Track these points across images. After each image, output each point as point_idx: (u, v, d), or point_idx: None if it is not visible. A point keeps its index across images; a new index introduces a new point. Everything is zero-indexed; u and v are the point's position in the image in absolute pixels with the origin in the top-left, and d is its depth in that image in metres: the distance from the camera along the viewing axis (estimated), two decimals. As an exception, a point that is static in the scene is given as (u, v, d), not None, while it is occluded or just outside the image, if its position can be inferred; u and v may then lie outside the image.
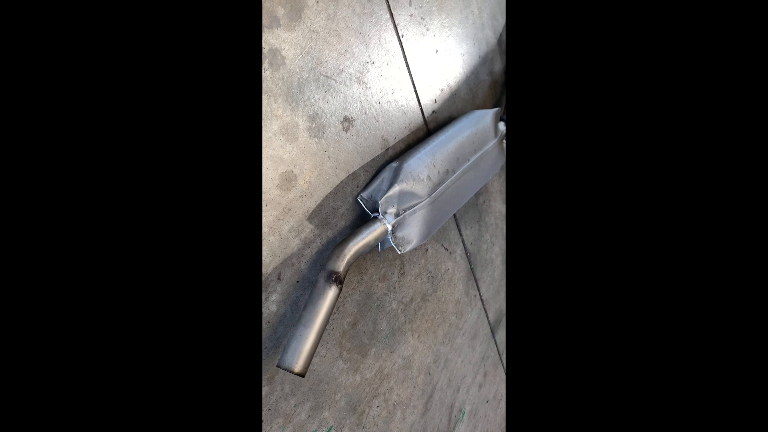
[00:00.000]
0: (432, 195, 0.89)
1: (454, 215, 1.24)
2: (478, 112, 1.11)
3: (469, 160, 1.02)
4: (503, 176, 1.50)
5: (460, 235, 1.28)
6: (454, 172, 0.97)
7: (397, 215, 0.83)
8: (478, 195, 1.35)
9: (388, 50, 0.89)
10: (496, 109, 1.16)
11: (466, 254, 1.33)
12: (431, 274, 1.16)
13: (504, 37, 1.36)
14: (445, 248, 1.21)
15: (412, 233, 0.87)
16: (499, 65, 1.36)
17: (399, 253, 0.85)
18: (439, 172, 0.92)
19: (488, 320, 1.55)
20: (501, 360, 1.72)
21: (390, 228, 0.82)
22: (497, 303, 1.60)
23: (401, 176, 0.84)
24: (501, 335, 1.68)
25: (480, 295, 1.46)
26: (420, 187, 0.87)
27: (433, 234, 0.96)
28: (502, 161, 1.18)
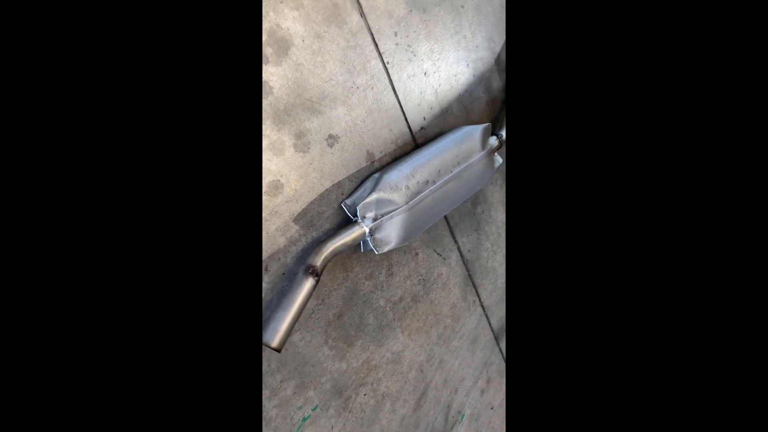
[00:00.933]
0: (409, 203, 1.00)
1: (448, 223, 1.32)
2: (467, 128, 1.20)
3: (451, 171, 1.11)
4: (505, 188, 1.56)
5: (455, 242, 1.36)
6: (434, 182, 1.07)
7: (374, 219, 0.95)
8: (475, 204, 1.42)
9: (372, 76, 1.02)
10: (486, 124, 1.24)
11: (463, 261, 1.41)
12: (422, 277, 1.25)
13: (503, 56, 1.45)
14: (438, 254, 1.30)
15: (390, 236, 0.98)
16: (497, 83, 1.44)
17: (376, 253, 0.96)
18: (418, 182, 1.03)
19: (491, 327, 1.59)
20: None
21: (367, 231, 0.94)
22: (502, 311, 1.64)
23: (380, 185, 0.96)
24: (505, 344, 1.71)
25: (480, 301, 1.52)
26: (398, 196, 0.98)
27: (414, 238, 1.06)
28: (490, 174, 1.26)
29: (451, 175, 1.11)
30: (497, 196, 1.53)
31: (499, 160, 1.31)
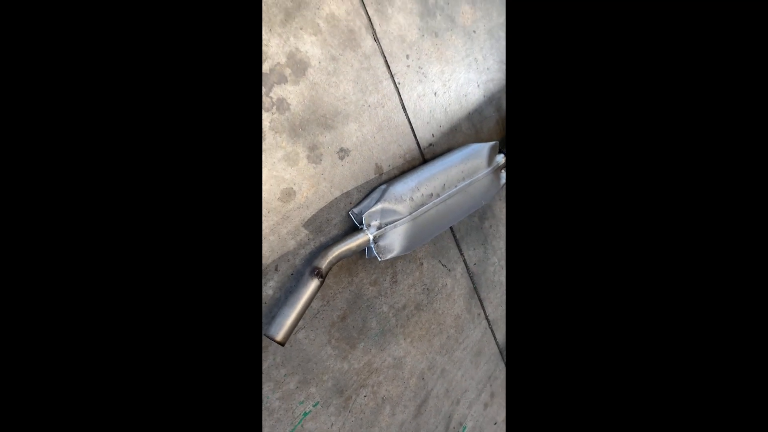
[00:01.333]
0: (413, 214, 1.06)
1: (454, 236, 1.37)
2: (474, 145, 1.26)
3: (455, 186, 1.17)
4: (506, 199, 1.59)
5: (462, 255, 1.41)
6: (438, 195, 1.13)
7: (379, 228, 1.01)
8: (482, 219, 1.47)
9: (384, 95, 1.10)
10: (494, 142, 1.30)
11: (469, 274, 1.45)
12: (426, 287, 1.30)
13: (514, 78, 1.50)
14: (443, 265, 1.35)
15: (393, 244, 1.04)
16: (508, 103, 1.49)
17: (379, 259, 1.02)
18: (422, 195, 1.09)
19: (496, 341, 1.61)
20: (513, 385, 1.74)
21: (371, 238, 1.00)
22: (508, 326, 1.66)
23: (386, 196, 1.03)
24: (513, 359, 1.72)
25: (486, 315, 1.55)
26: (402, 207, 1.04)
27: (416, 247, 1.11)
28: (495, 190, 1.31)
29: (455, 189, 1.16)
30: (505, 212, 1.56)
31: (504, 177, 1.35)
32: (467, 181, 1.20)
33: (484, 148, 1.26)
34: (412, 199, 1.06)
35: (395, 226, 1.03)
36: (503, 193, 1.54)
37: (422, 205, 1.08)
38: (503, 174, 1.35)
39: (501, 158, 1.32)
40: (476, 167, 1.23)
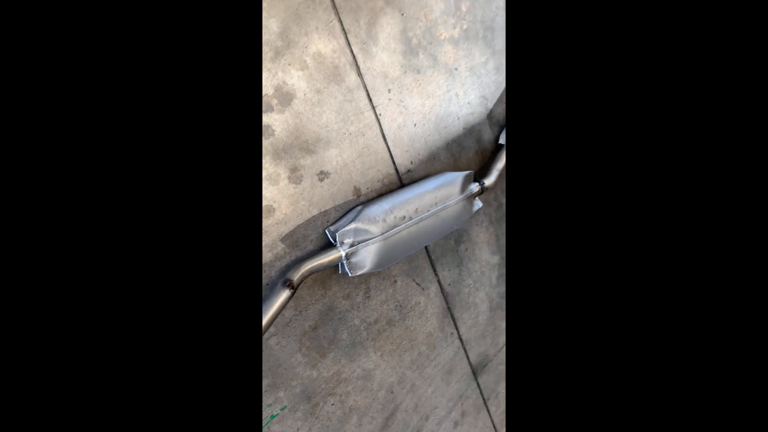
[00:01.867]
0: (385, 234, 1.15)
1: (429, 256, 1.45)
2: (450, 174, 1.36)
3: (428, 210, 1.26)
4: (491, 229, 1.68)
5: (436, 274, 1.49)
6: (411, 218, 1.22)
7: (351, 245, 1.10)
8: (458, 242, 1.55)
9: (365, 125, 1.21)
10: (468, 172, 1.39)
11: (443, 293, 1.52)
12: (399, 304, 1.38)
13: (496, 111, 1.61)
14: (417, 284, 1.43)
15: (365, 261, 1.13)
16: (488, 135, 1.60)
17: (350, 275, 1.11)
18: (395, 217, 1.18)
19: (468, 360, 1.67)
20: (486, 405, 1.79)
21: (344, 255, 1.09)
22: (481, 347, 1.72)
23: (360, 217, 1.12)
24: (486, 380, 1.77)
25: (459, 334, 1.61)
26: (375, 227, 1.14)
27: (388, 266, 1.20)
28: (467, 216, 1.40)
29: (427, 213, 1.25)
30: (483, 237, 1.65)
31: (478, 204, 1.44)
32: (439, 207, 1.29)
33: (459, 176, 1.35)
34: (385, 220, 1.15)
35: (367, 245, 1.12)
36: (480, 218, 1.62)
37: (395, 226, 1.17)
38: (477, 201, 1.44)
39: (475, 187, 1.41)
40: (449, 194, 1.32)
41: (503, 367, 1.86)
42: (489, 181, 1.47)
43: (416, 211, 1.23)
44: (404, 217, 1.20)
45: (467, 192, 1.38)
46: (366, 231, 1.12)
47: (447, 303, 1.54)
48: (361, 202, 1.22)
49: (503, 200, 1.70)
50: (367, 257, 1.12)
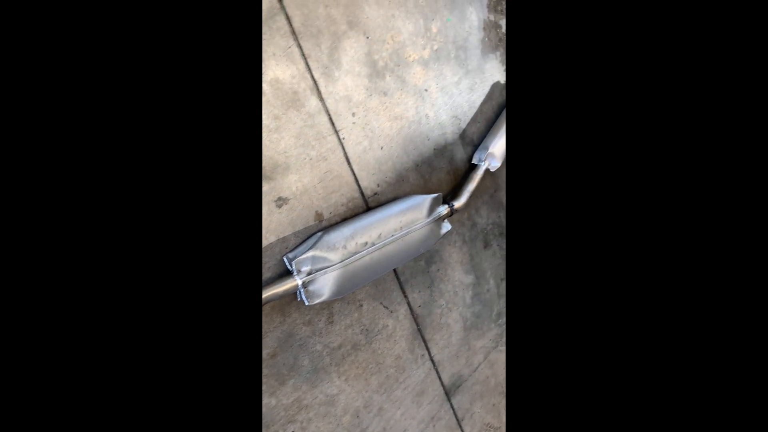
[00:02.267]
0: (344, 261, 1.14)
1: (398, 279, 1.44)
2: (417, 197, 1.35)
3: (392, 235, 1.25)
4: (465, 249, 1.67)
5: (405, 297, 1.47)
6: (373, 244, 1.20)
7: (309, 274, 1.09)
8: (429, 263, 1.54)
9: (328, 149, 1.20)
10: (436, 195, 1.38)
11: (412, 315, 1.51)
12: (365, 327, 1.37)
13: (469, 131, 1.60)
14: (385, 306, 1.41)
15: (323, 289, 1.11)
16: (460, 155, 1.58)
17: (306, 304, 1.10)
18: (356, 243, 1.17)
19: (441, 382, 1.66)
20: (460, 426, 1.78)
21: (300, 283, 1.08)
22: (455, 367, 1.71)
23: (319, 244, 1.11)
24: (460, 400, 1.76)
25: (430, 356, 1.60)
26: (333, 254, 1.12)
27: (348, 293, 1.19)
28: (434, 240, 1.38)
29: (391, 238, 1.24)
30: (456, 257, 1.63)
31: (447, 227, 1.43)
32: (404, 231, 1.27)
33: (426, 199, 1.34)
34: (345, 247, 1.14)
35: (325, 272, 1.11)
36: (453, 237, 1.61)
37: (355, 253, 1.16)
38: (445, 224, 1.42)
39: (443, 209, 1.40)
40: (415, 218, 1.30)
41: (479, 387, 1.84)
42: (459, 202, 1.46)
43: (379, 236, 1.22)
44: (366, 243, 1.19)
45: (435, 215, 1.37)
46: (324, 258, 1.11)
47: (417, 325, 1.53)
48: (323, 227, 1.21)
49: (477, 220, 1.69)
50: (325, 285, 1.11)
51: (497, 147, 1.55)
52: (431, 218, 1.35)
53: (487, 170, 1.56)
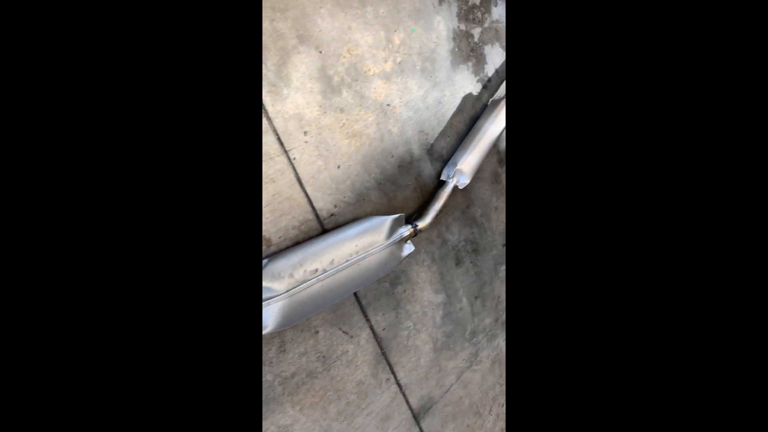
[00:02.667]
0: (290, 291, 1.08)
1: (359, 302, 1.38)
2: (375, 218, 1.28)
3: (346, 261, 1.18)
4: (434, 267, 1.60)
5: (367, 320, 1.41)
6: (324, 271, 1.14)
7: (251, 305, 1.03)
8: (394, 284, 1.48)
9: (276, 170, 1.14)
10: (398, 215, 1.32)
11: (376, 339, 1.45)
12: (322, 354, 1.31)
13: (438, 146, 1.53)
14: (344, 332, 1.35)
15: (267, 321, 1.05)
16: (428, 171, 1.52)
17: (248, 336, 1.04)
18: (305, 271, 1.11)
19: (409, 405, 1.60)
20: (431, 449, 1.72)
21: (242, 315, 1.02)
22: (424, 390, 1.65)
23: (263, 273, 1.05)
24: (430, 422, 1.70)
25: (396, 379, 1.54)
26: (279, 284, 1.06)
27: (296, 323, 1.13)
28: (395, 263, 1.32)
29: (345, 264, 1.18)
30: (424, 276, 1.57)
31: (409, 249, 1.36)
32: (361, 255, 1.21)
33: (386, 221, 1.28)
34: (292, 275, 1.08)
35: (269, 304, 1.05)
36: (421, 257, 1.55)
37: (304, 281, 1.10)
38: (407, 246, 1.36)
39: (405, 230, 1.34)
40: (373, 241, 1.24)
41: (451, 408, 1.79)
42: (423, 222, 1.39)
43: (332, 262, 1.15)
44: (316, 270, 1.13)
45: (395, 236, 1.30)
46: (268, 289, 1.05)
47: (381, 348, 1.47)
48: (270, 253, 1.15)
49: (448, 237, 1.63)
50: (268, 317, 1.05)
51: (466, 163, 1.49)
52: (391, 240, 1.28)
53: (456, 187, 1.50)
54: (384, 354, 1.47)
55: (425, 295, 1.59)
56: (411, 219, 1.41)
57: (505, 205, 1.82)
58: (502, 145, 1.77)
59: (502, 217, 1.82)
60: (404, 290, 1.51)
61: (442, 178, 1.52)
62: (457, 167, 1.48)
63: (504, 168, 1.79)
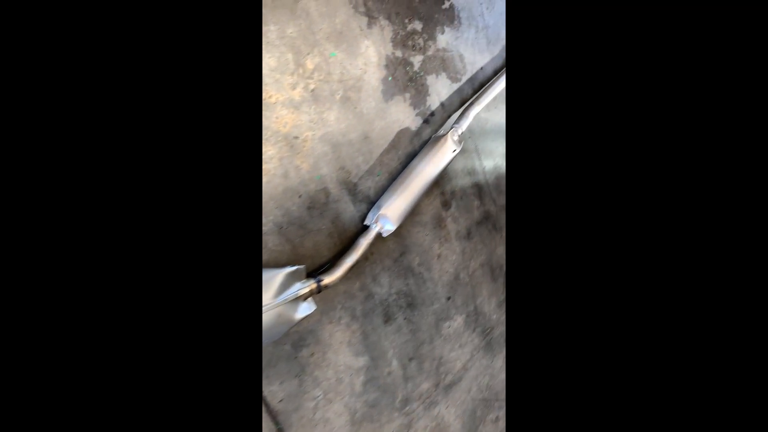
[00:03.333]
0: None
1: (247, 369, 1.15)
2: (266, 271, 1.07)
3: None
4: (355, 326, 1.38)
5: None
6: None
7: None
8: (298, 347, 1.25)
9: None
10: (296, 267, 1.10)
11: (269, 412, 1.21)
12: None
13: (363, 186, 1.33)
14: (224, 405, 1.12)
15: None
16: (350, 214, 1.31)
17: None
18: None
19: (314, 491, 1.34)
20: None
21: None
22: (336, 469, 1.39)
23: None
24: None
25: (298, 459, 1.29)
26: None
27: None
28: (284, 327, 1.09)
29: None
30: (340, 336, 1.34)
31: (307, 309, 1.14)
32: (234, 319, 0.99)
33: (278, 274, 1.06)
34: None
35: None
36: (336, 314, 1.32)
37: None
38: (304, 306, 1.14)
39: (303, 286, 1.12)
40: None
41: (374, 491, 1.52)
42: (331, 276, 1.18)
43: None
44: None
45: (287, 294, 1.08)
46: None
47: (277, 424, 1.22)
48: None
49: (375, 290, 1.40)
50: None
51: (393, 207, 1.28)
52: (280, 299, 1.06)
53: (380, 234, 1.29)
54: (280, 430, 1.23)
55: (341, 358, 1.35)
56: (317, 271, 1.20)
57: (450, 252, 1.61)
58: (448, 186, 1.57)
59: (447, 266, 1.60)
60: (311, 353, 1.28)
61: (366, 222, 1.31)
62: (380, 211, 1.27)
63: (449, 211, 1.59)
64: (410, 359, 1.54)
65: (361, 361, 1.41)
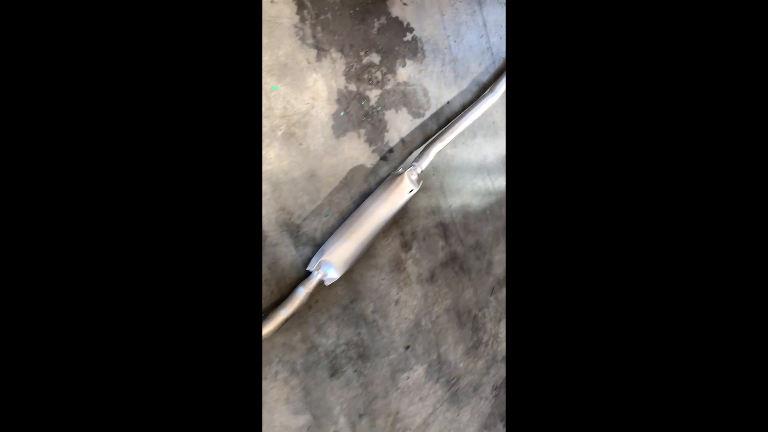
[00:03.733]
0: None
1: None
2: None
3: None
4: (295, 381, 1.25)
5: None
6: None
7: None
8: None
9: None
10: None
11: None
12: None
13: (308, 228, 1.23)
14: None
15: None
16: (290, 259, 1.20)
17: None
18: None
19: None
20: None
21: None
22: None
23: None
24: None
25: None
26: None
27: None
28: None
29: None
30: (277, 394, 1.21)
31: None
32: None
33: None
34: None
35: None
36: (273, 368, 1.19)
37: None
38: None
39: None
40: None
41: None
42: (264, 329, 1.06)
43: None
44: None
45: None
46: None
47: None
48: None
49: (319, 341, 1.28)
50: None
51: (338, 252, 1.17)
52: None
53: (322, 282, 1.18)
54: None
55: (278, 418, 1.22)
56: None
57: (410, 297, 1.49)
58: (409, 225, 1.46)
59: (406, 312, 1.48)
60: None
61: (309, 268, 1.20)
62: (323, 257, 1.16)
63: (410, 252, 1.48)
64: (360, 415, 1.41)
65: (301, 420, 1.27)
